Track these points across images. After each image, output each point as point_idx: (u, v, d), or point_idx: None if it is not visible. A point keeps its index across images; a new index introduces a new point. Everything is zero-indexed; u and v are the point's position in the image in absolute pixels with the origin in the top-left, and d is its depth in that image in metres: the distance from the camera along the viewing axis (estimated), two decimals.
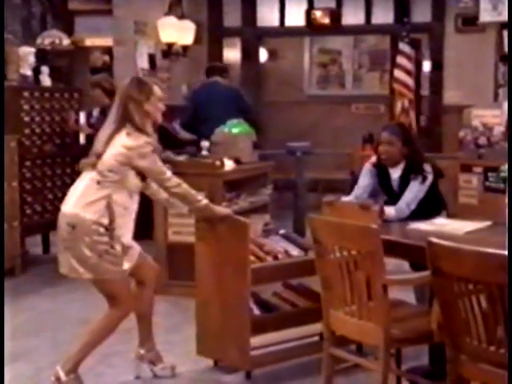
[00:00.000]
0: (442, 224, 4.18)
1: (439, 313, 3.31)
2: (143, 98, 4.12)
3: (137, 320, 4.50)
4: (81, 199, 4.08)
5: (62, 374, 4.13)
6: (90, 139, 6.88)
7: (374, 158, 5.05)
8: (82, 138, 7.06)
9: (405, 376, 4.05)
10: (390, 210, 4.70)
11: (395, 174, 4.95)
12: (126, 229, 4.16)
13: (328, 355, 3.85)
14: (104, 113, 7.00)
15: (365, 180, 5.04)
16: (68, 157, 7.44)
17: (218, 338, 4.51)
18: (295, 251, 4.69)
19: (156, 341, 4.58)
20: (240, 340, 4.37)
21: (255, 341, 4.43)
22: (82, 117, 7.11)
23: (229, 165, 6.32)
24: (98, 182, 4.07)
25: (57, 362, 4.67)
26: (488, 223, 4.19)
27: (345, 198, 5.00)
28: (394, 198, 4.85)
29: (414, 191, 4.77)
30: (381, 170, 5.00)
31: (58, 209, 7.05)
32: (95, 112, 7.16)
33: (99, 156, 4.10)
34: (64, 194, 6.55)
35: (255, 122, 7.61)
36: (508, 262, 2.85)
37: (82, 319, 5.56)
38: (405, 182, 4.88)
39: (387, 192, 5.00)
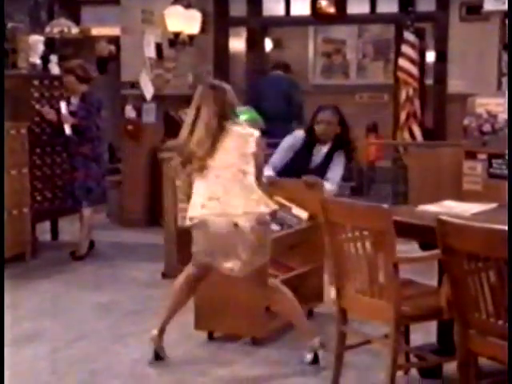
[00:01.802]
0: (449, 206, 4.27)
1: (448, 290, 3.42)
2: (235, 102, 4.44)
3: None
4: (248, 199, 4.23)
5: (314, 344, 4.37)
6: (76, 129, 6.95)
7: (302, 132, 5.63)
8: (67, 129, 6.94)
9: (413, 352, 4.15)
10: (329, 187, 5.35)
11: (324, 149, 5.56)
12: None
13: (339, 332, 3.95)
14: (84, 99, 7.03)
15: (284, 152, 5.56)
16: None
17: (226, 311, 4.69)
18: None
19: (171, 323, 4.67)
20: (257, 309, 4.61)
21: None
22: (64, 106, 6.99)
23: None
24: (246, 177, 4.25)
25: (71, 341, 4.83)
26: (494, 205, 4.29)
27: (266, 172, 5.22)
28: (305, 172, 5.35)
29: (342, 166, 5.53)
30: (308, 145, 5.56)
31: (67, 196, 7.25)
32: (74, 99, 7.06)
33: (204, 158, 4.24)
34: None
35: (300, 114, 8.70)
36: (508, 238, 2.96)
37: (94, 303, 5.71)
38: (329, 157, 5.53)
39: (299, 166, 5.45)
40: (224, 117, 4.32)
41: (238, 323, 4.71)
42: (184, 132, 4.35)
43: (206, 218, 4.24)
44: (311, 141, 5.57)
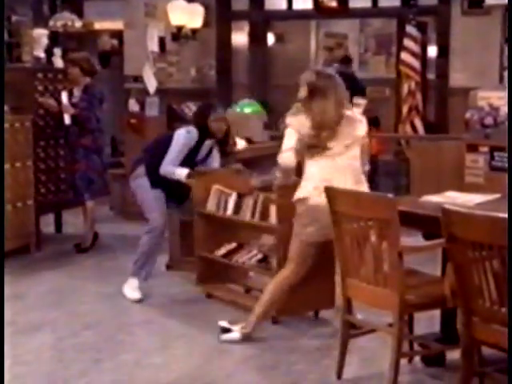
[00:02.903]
0: (452, 197, 4.30)
1: (452, 279, 3.45)
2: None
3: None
4: (355, 183, 4.39)
5: None
6: (75, 119, 6.97)
7: (194, 131, 5.71)
8: (66, 119, 6.97)
9: (417, 341, 4.19)
10: None
11: (207, 144, 5.79)
12: None
13: (344, 321, 4.00)
14: (86, 92, 7.06)
15: (180, 152, 5.66)
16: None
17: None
18: None
19: (176, 313, 4.72)
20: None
21: None
22: (65, 97, 7.01)
23: (241, 144, 6.45)
24: (356, 161, 4.47)
25: (77, 331, 4.88)
26: (497, 195, 4.32)
27: (166, 165, 5.60)
28: (192, 164, 5.68)
29: (218, 158, 5.91)
30: (200, 140, 5.74)
31: (69, 188, 7.28)
32: (77, 91, 7.07)
33: (326, 142, 4.44)
34: None
35: None
36: (508, 229, 2.99)
37: (98, 293, 5.75)
38: (210, 151, 5.86)
39: (188, 159, 5.69)
40: (340, 102, 4.49)
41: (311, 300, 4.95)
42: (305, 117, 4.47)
43: (315, 199, 4.32)
44: (204, 137, 5.75)
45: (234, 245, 5.49)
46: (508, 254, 3.04)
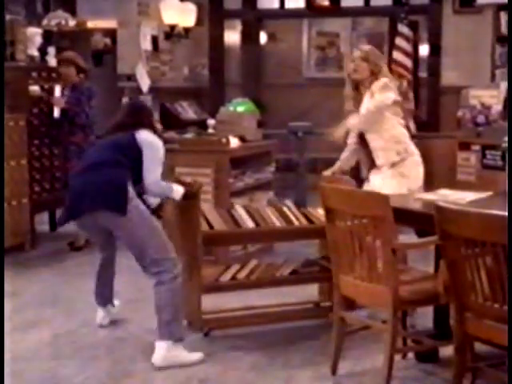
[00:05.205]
0: (445, 194, 4.35)
1: (445, 275, 3.50)
2: None
3: None
4: None
5: None
6: (65, 113, 6.98)
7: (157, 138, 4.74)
8: (56, 112, 6.99)
9: (411, 337, 4.24)
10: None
11: None
12: None
13: (338, 318, 4.04)
14: (75, 90, 7.08)
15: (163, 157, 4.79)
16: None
17: None
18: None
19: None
20: None
21: None
22: (58, 91, 7.03)
23: (234, 142, 6.48)
24: None
25: (73, 329, 4.91)
26: (489, 193, 4.37)
27: (159, 180, 4.58)
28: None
29: None
30: None
31: (62, 187, 7.29)
32: (66, 90, 7.07)
33: None
34: None
35: None
36: (508, 225, 3.04)
37: (93, 291, 5.73)
38: None
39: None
40: None
41: None
42: None
43: None
44: None
45: (254, 262, 4.98)
46: (508, 252, 3.08)
